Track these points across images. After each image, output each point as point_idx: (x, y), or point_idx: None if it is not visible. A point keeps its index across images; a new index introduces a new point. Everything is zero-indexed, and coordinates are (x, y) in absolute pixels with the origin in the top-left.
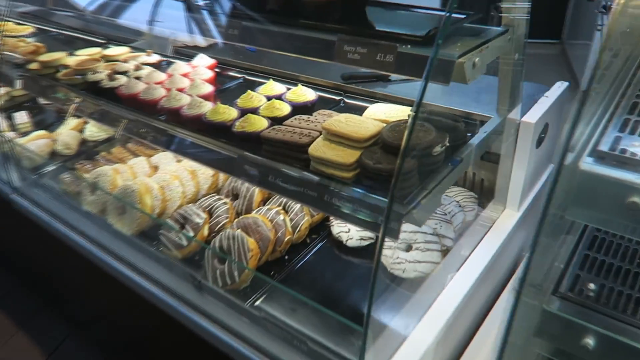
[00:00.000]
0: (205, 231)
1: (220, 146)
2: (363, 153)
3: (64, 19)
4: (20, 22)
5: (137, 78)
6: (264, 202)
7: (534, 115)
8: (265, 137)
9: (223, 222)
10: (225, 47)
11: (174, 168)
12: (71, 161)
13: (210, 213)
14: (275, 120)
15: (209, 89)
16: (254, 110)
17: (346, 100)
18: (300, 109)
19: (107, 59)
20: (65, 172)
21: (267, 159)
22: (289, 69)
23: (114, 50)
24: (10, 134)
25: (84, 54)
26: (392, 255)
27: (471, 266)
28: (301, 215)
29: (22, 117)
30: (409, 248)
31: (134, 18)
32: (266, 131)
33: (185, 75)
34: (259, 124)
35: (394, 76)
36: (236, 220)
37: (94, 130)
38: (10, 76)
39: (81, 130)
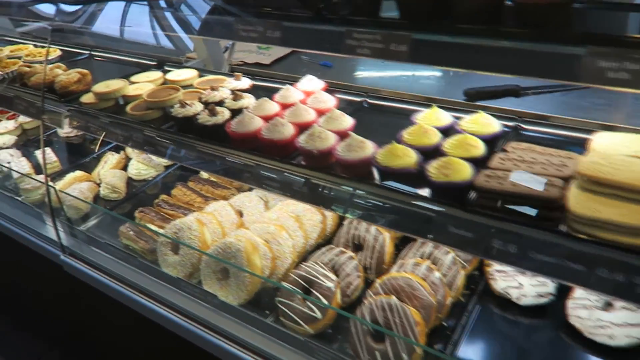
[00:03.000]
0: (339, 297)
1: (410, 203)
2: None
3: (79, 36)
4: (37, 43)
5: (240, 110)
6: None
7: None
8: (488, 190)
9: (356, 284)
10: (292, 63)
11: (273, 215)
12: (121, 207)
13: (334, 271)
14: (474, 162)
15: (350, 121)
16: (436, 149)
17: (522, 125)
18: (490, 143)
19: (178, 85)
20: (125, 224)
21: (494, 217)
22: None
23: (179, 74)
24: (40, 177)
25: (143, 80)
26: (589, 316)
27: None
28: (455, 269)
29: (48, 155)
30: (607, 306)
31: (176, 29)
32: (482, 180)
33: (302, 103)
34: (465, 170)
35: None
36: (379, 281)
37: (141, 168)
38: (56, 113)
39: (124, 168)
